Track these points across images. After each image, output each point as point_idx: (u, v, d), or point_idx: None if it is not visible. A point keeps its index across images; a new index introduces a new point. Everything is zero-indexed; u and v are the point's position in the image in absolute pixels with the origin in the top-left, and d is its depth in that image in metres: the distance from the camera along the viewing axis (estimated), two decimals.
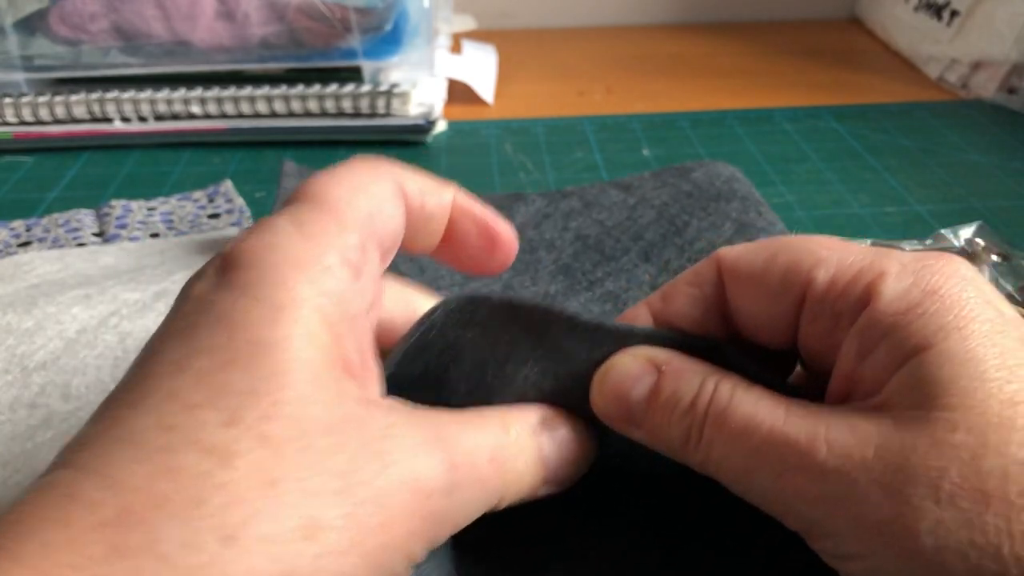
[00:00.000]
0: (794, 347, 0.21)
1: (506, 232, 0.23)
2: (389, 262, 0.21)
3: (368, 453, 0.16)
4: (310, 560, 0.14)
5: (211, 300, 0.17)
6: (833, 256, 0.19)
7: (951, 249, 0.36)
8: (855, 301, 0.18)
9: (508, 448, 0.19)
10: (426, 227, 0.21)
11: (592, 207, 0.39)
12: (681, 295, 0.22)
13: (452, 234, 0.22)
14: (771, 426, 0.18)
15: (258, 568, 0.14)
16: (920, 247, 0.37)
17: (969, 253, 0.35)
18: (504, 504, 0.19)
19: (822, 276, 0.19)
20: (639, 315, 0.23)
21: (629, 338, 0.21)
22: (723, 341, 0.21)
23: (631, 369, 0.20)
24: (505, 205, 0.41)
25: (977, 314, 0.17)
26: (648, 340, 0.21)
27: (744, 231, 0.35)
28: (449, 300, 0.21)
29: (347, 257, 0.18)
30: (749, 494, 0.18)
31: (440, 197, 0.21)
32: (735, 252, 0.21)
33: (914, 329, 0.17)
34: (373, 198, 0.19)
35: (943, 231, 0.39)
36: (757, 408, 0.18)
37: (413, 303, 0.23)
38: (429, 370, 0.21)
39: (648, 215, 0.38)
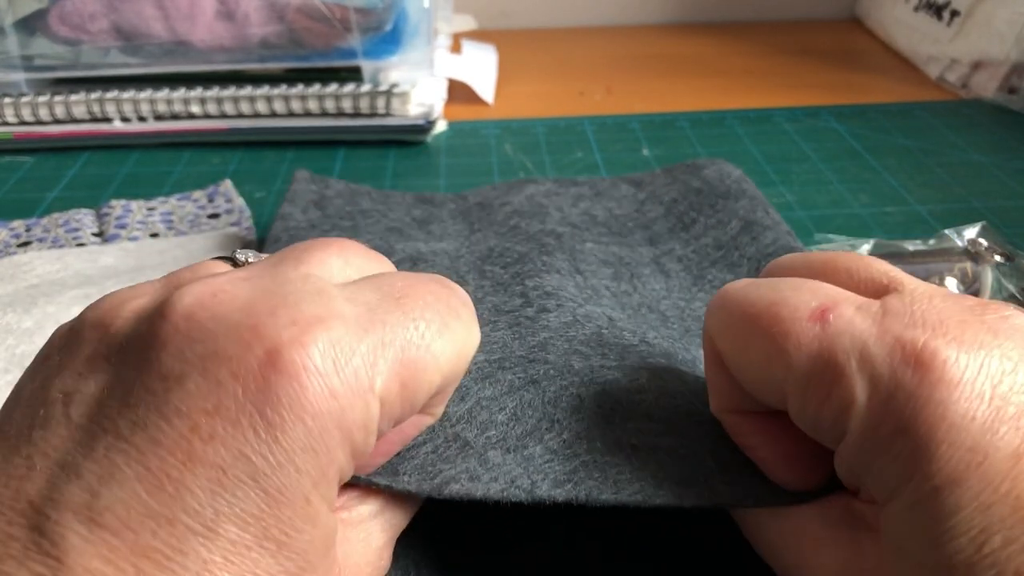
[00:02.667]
0: None
1: None
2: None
3: None
4: None
5: (245, 454, 0.15)
6: (802, 368, 0.17)
7: (954, 249, 0.36)
8: (829, 428, 0.17)
9: None
10: None
11: (602, 196, 0.40)
12: (711, 382, 0.21)
13: None
14: (775, 537, 0.18)
15: None
16: (923, 247, 0.37)
17: (972, 253, 0.35)
18: None
19: (794, 405, 0.18)
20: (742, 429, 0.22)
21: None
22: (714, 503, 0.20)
23: None
24: (515, 187, 0.40)
25: (949, 456, 0.15)
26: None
27: (750, 228, 0.35)
28: None
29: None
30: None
31: None
32: (717, 306, 0.20)
33: (883, 477, 0.16)
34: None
35: (946, 231, 0.39)
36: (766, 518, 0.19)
37: None
38: None
39: (656, 210, 0.38)
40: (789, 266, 0.21)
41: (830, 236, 0.41)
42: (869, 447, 0.16)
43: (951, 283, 0.33)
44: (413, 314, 0.17)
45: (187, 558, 0.14)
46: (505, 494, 0.19)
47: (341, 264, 0.19)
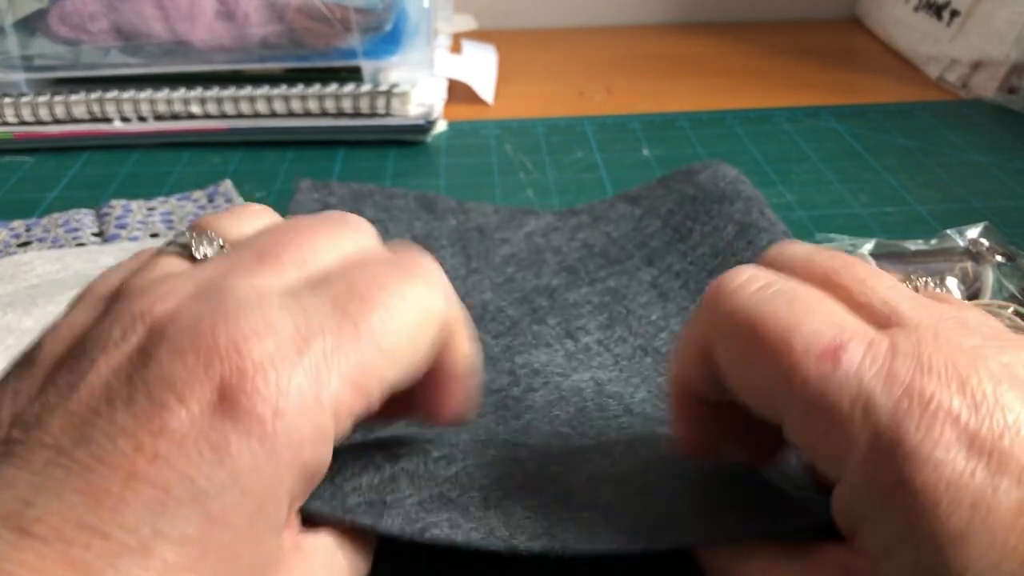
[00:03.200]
0: None
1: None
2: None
3: None
4: None
5: (189, 475, 0.15)
6: (805, 403, 0.17)
7: (955, 249, 0.36)
8: (826, 464, 0.17)
9: None
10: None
11: (600, 221, 0.40)
12: (688, 369, 0.21)
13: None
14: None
15: None
16: (925, 247, 0.37)
17: (973, 253, 0.35)
18: None
19: (790, 429, 0.18)
20: (683, 408, 0.22)
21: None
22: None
23: None
24: (516, 215, 0.41)
25: (950, 513, 0.15)
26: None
27: (745, 232, 0.35)
28: None
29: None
30: None
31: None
32: (725, 312, 0.19)
33: (882, 530, 0.16)
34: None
35: (948, 231, 0.39)
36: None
37: None
38: None
39: (654, 224, 0.38)
40: (791, 261, 0.21)
41: (831, 236, 0.41)
42: (868, 496, 0.16)
43: (952, 283, 0.33)
44: (361, 318, 0.17)
45: (119, 574, 0.14)
46: (484, 542, 0.20)
47: (315, 255, 0.19)
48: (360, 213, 0.39)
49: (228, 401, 0.15)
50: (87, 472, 0.14)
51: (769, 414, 0.19)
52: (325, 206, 0.39)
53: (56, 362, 0.17)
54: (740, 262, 0.34)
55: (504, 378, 0.29)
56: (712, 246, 0.35)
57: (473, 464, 0.22)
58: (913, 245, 0.37)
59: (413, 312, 0.19)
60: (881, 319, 0.18)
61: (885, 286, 0.19)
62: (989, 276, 0.34)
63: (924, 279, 0.21)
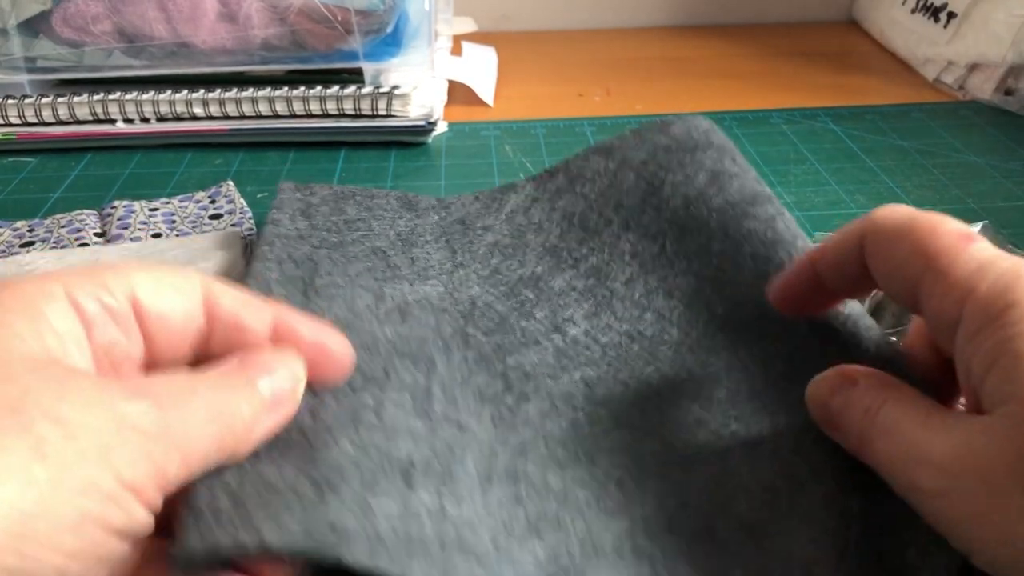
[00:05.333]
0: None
1: (338, 347, 0.24)
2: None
3: None
4: None
5: None
6: (943, 260, 0.22)
7: None
8: (953, 320, 0.22)
9: None
10: (242, 339, 0.22)
11: (576, 181, 0.40)
12: (831, 251, 0.27)
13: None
14: (907, 431, 0.22)
15: None
16: None
17: None
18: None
19: (926, 289, 0.22)
20: (802, 269, 0.28)
21: None
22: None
23: (830, 383, 0.25)
24: (496, 197, 0.41)
25: None
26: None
27: (716, 179, 0.36)
28: None
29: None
30: (897, 487, 0.22)
31: (259, 313, 0.23)
32: (883, 212, 0.25)
33: (998, 338, 0.20)
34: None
35: None
36: (902, 418, 0.22)
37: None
38: None
39: (628, 178, 0.38)
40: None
41: (830, 235, 0.41)
42: (990, 317, 0.21)
43: None
44: None
45: None
46: None
47: None
48: (343, 212, 0.39)
49: None
50: None
51: (910, 293, 0.23)
52: (308, 206, 0.39)
53: None
54: (711, 210, 0.35)
55: (498, 382, 0.29)
56: (684, 196, 0.36)
57: (480, 503, 0.24)
58: None
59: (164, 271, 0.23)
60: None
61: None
62: None
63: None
